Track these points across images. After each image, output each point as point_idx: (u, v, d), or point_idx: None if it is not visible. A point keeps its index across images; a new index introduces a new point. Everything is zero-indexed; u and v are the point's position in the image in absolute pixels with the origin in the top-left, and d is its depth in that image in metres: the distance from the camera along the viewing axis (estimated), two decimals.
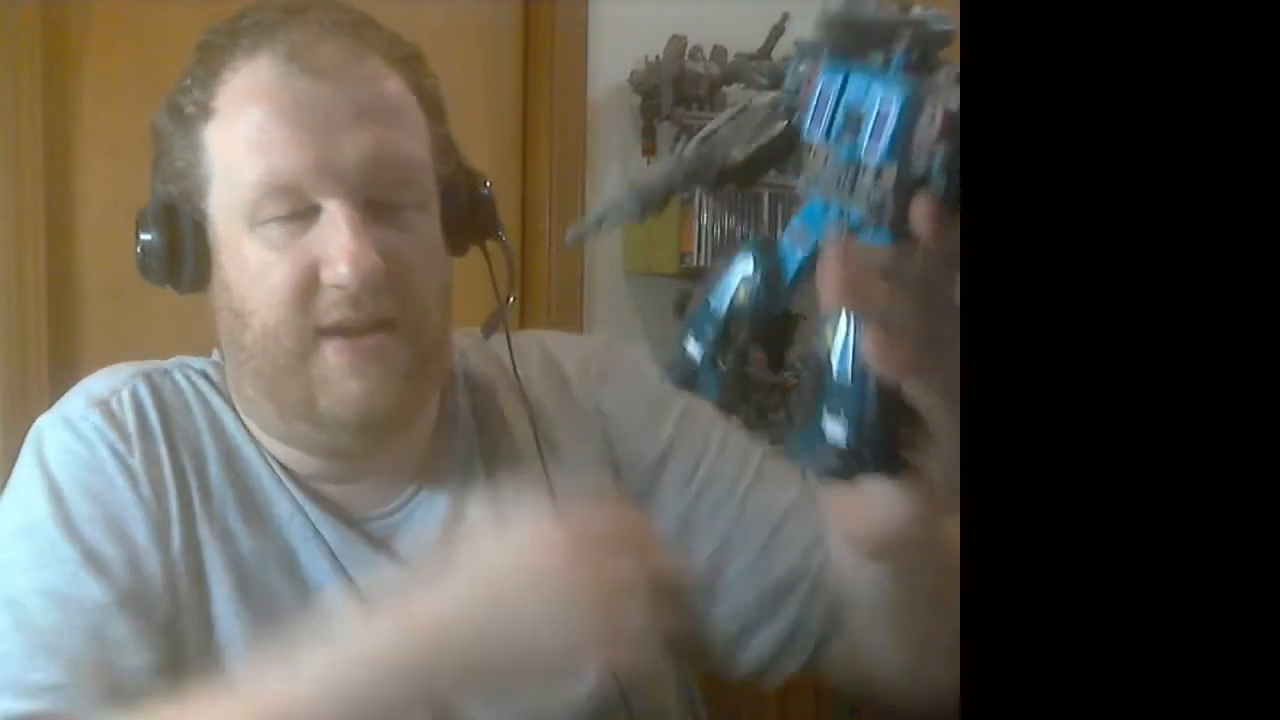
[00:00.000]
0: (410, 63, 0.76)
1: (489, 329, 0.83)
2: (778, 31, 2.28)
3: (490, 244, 0.82)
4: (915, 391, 0.48)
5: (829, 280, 0.46)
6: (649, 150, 2.19)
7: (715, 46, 2.24)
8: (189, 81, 0.74)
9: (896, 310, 0.46)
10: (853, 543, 0.61)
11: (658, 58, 2.15)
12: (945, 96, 0.44)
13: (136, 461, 0.75)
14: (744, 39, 2.28)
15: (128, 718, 0.63)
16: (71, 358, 1.64)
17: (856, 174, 0.46)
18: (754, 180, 0.51)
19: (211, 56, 0.73)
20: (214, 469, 0.77)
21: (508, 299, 0.82)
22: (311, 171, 0.69)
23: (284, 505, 0.77)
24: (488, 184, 0.81)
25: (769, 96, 0.52)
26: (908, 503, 0.53)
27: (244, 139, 0.71)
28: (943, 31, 0.46)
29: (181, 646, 0.73)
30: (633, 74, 2.17)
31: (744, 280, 0.50)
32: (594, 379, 0.86)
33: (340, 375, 0.72)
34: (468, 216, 0.79)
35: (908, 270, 0.46)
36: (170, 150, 0.75)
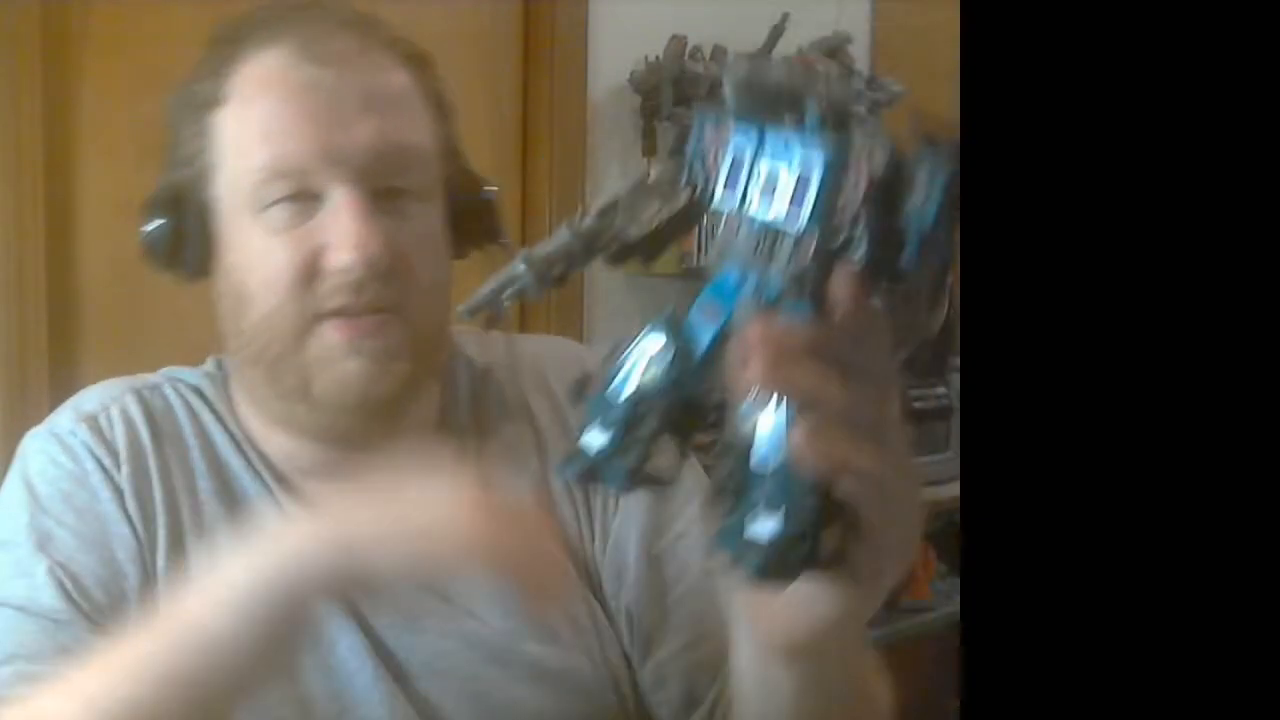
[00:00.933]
0: (418, 61, 0.78)
1: (487, 327, 0.83)
2: (778, 31, 2.28)
3: (492, 249, 0.82)
4: (847, 484, 0.44)
5: (751, 361, 0.42)
6: (649, 150, 2.19)
7: (715, 46, 2.24)
8: (201, 71, 0.75)
9: (824, 394, 0.43)
10: (769, 644, 0.56)
11: (658, 58, 2.15)
12: (869, 158, 0.42)
13: (124, 477, 0.75)
14: (744, 39, 2.28)
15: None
16: (71, 358, 1.64)
17: (775, 242, 0.43)
18: (658, 254, 0.48)
19: (224, 47, 0.74)
20: (203, 484, 0.77)
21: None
22: (319, 156, 0.70)
23: (271, 514, 0.77)
24: (492, 189, 0.82)
25: (671, 164, 0.49)
26: (833, 602, 0.49)
27: (253, 124, 0.72)
28: (853, 90, 0.44)
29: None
30: (633, 74, 2.17)
31: (651, 361, 0.46)
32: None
33: (339, 354, 0.72)
34: (470, 219, 0.80)
35: (836, 347, 0.43)
36: (179, 137, 0.76)
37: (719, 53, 2.25)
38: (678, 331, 0.46)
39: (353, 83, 0.72)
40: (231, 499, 0.78)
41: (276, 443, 0.79)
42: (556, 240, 0.49)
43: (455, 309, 0.77)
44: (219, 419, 0.80)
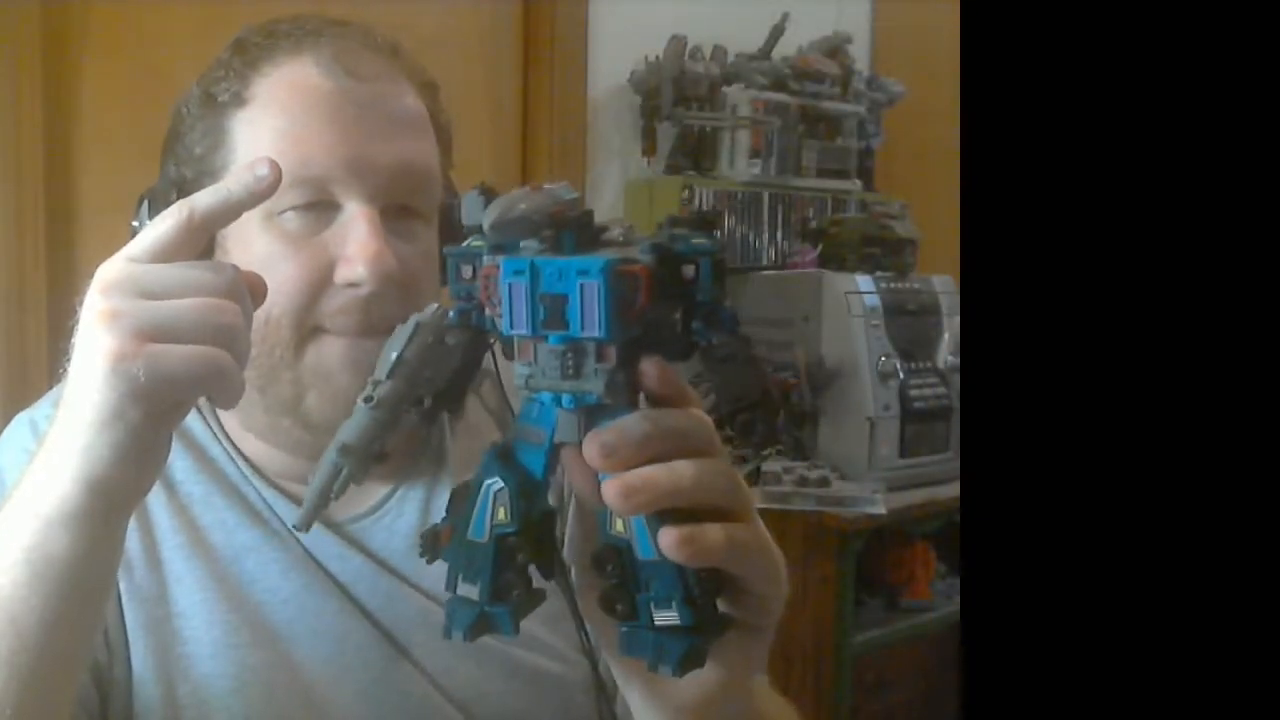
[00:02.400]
0: (430, 90, 0.79)
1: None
2: (778, 31, 2.28)
3: None
4: (724, 560, 0.47)
5: (609, 488, 0.45)
6: (649, 150, 2.19)
7: (715, 46, 2.25)
8: (223, 71, 0.74)
9: (679, 485, 0.46)
10: (665, 708, 0.56)
11: (658, 58, 2.15)
12: (636, 256, 0.45)
13: None
14: (744, 39, 2.28)
15: None
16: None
17: (578, 356, 0.45)
18: (463, 399, 0.50)
19: (250, 51, 0.74)
20: (180, 464, 0.77)
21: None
22: (343, 168, 0.70)
23: (253, 499, 0.78)
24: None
25: (434, 310, 0.51)
26: (724, 660, 0.51)
27: (277, 128, 0.72)
28: (573, 199, 0.47)
29: (128, 640, 0.73)
30: (633, 74, 2.17)
31: (496, 497, 0.48)
32: None
33: (336, 367, 0.72)
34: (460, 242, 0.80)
35: (671, 432, 0.46)
36: (191, 134, 0.75)
37: (719, 53, 2.25)
38: (511, 466, 0.48)
39: (382, 102, 0.73)
40: (209, 479, 0.78)
41: (257, 448, 0.79)
42: (361, 421, 0.49)
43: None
44: (200, 412, 0.80)
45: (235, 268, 0.57)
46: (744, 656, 0.52)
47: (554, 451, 0.48)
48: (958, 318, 2.10)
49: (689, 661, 0.47)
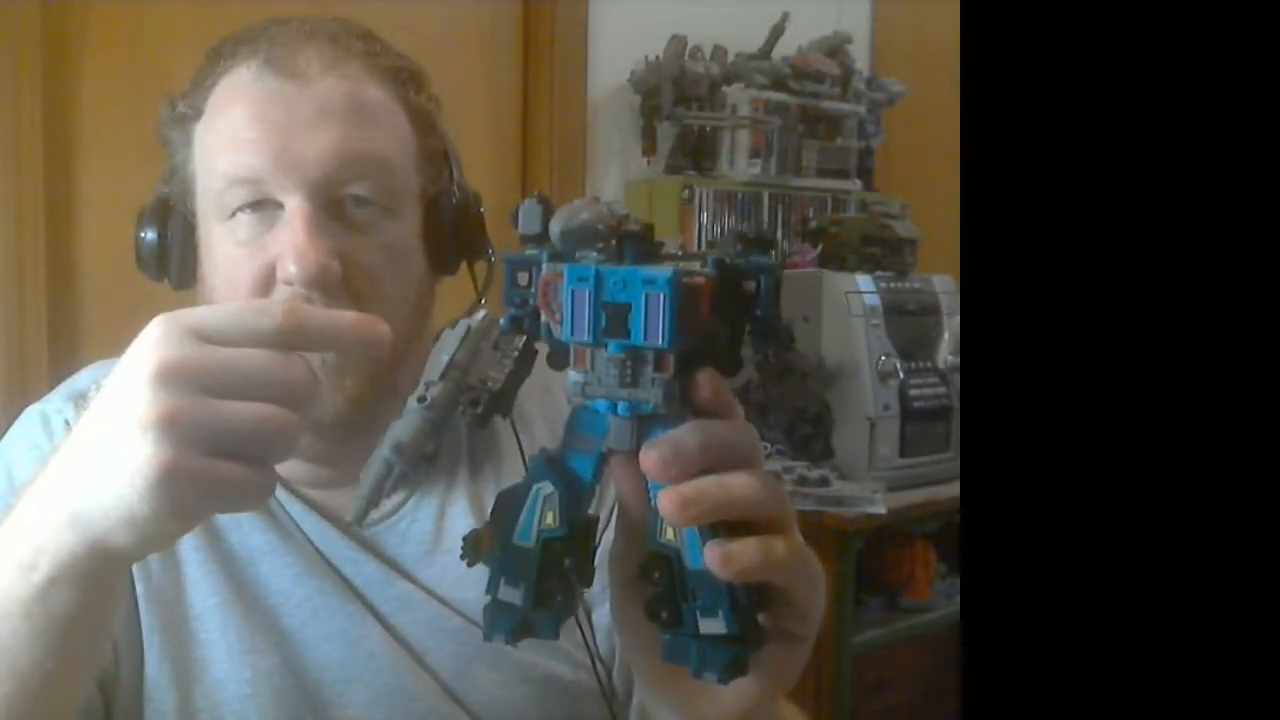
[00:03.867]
0: (401, 76, 0.77)
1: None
2: (778, 31, 2.28)
3: (479, 266, 0.82)
4: (771, 574, 0.48)
5: (666, 500, 0.46)
6: (649, 150, 2.19)
7: (715, 46, 2.25)
8: (189, 86, 0.76)
9: (730, 500, 0.46)
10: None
11: (658, 58, 2.15)
12: (699, 270, 0.46)
13: None
14: (744, 39, 2.28)
15: None
16: (71, 357, 1.64)
17: (635, 366, 0.46)
18: (512, 403, 0.50)
19: (210, 63, 0.76)
20: None
21: (479, 299, 0.82)
22: (271, 165, 0.70)
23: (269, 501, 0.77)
24: (479, 204, 0.81)
25: (484, 316, 0.51)
26: (773, 670, 0.52)
27: (218, 134, 0.73)
28: (626, 214, 0.48)
29: (143, 641, 0.73)
30: (633, 74, 2.17)
31: (546, 502, 0.48)
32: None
33: None
34: (455, 233, 0.79)
35: (720, 445, 0.47)
36: (170, 151, 0.77)
37: (719, 53, 2.25)
38: (560, 472, 0.49)
39: (312, 95, 0.72)
40: None
41: None
42: (414, 421, 0.49)
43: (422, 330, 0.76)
44: None
45: (290, 310, 0.51)
46: (784, 667, 0.52)
47: (603, 459, 0.48)
48: (958, 318, 2.10)
49: (734, 670, 0.47)
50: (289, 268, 0.69)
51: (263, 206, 0.71)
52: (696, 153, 2.19)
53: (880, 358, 1.99)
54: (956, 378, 2.06)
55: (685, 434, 0.46)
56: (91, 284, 1.70)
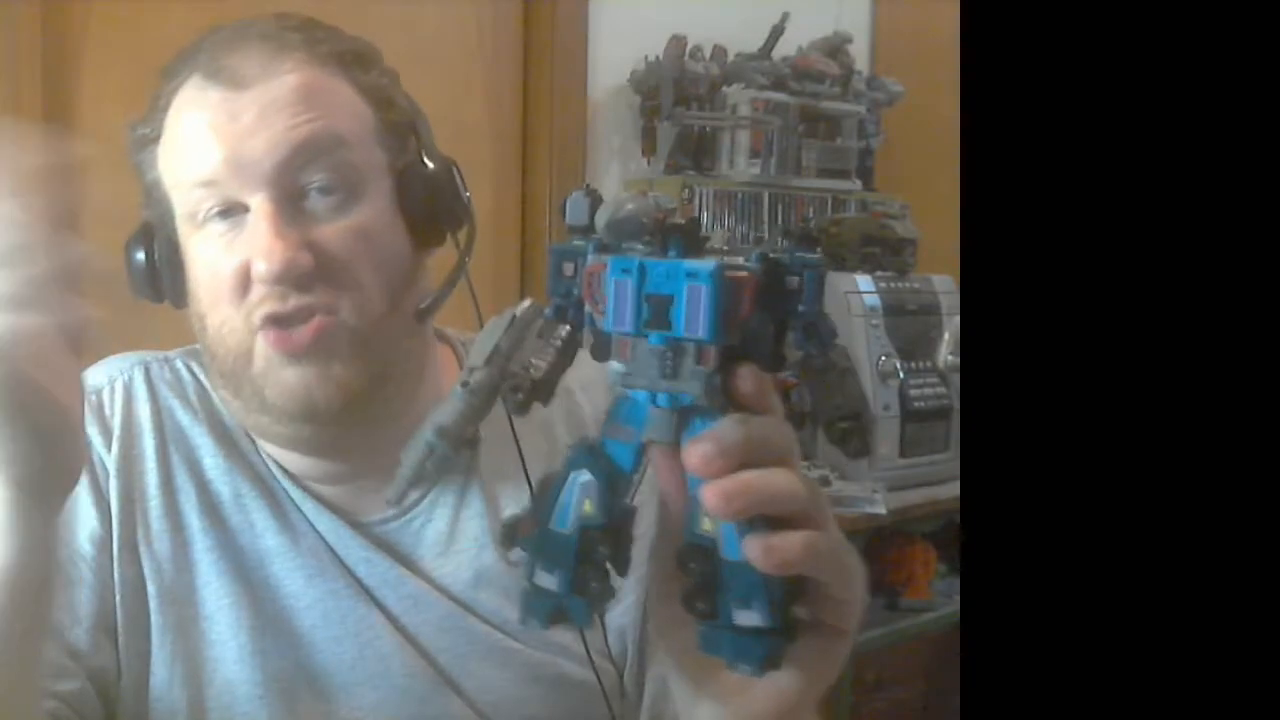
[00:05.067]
0: (345, 59, 0.77)
1: (435, 303, 0.81)
2: (778, 31, 2.28)
3: (465, 233, 0.81)
4: (809, 568, 0.48)
5: (711, 493, 0.46)
6: (649, 150, 2.19)
7: (715, 46, 2.25)
8: (146, 109, 0.77)
9: (771, 493, 0.46)
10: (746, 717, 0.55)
11: (658, 58, 2.15)
12: (743, 264, 0.46)
13: (112, 458, 0.76)
14: (744, 39, 2.28)
15: None
16: None
17: (676, 358, 0.46)
18: (552, 392, 0.50)
19: (163, 81, 0.77)
20: (210, 461, 0.78)
21: (464, 259, 0.80)
22: (226, 168, 0.71)
23: (281, 498, 0.78)
24: (453, 170, 0.79)
25: (530, 304, 0.52)
26: (814, 664, 0.52)
27: (177, 150, 0.74)
28: (673, 208, 0.48)
29: (151, 640, 0.74)
30: (633, 74, 2.17)
31: (584, 490, 0.49)
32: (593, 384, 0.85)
33: (277, 363, 0.72)
34: (432, 204, 0.78)
35: (761, 441, 0.47)
36: (143, 176, 0.78)
37: (719, 53, 2.25)
38: (600, 460, 0.49)
39: (253, 95, 0.72)
40: (238, 476, 0.78)
41: (272, 448, 0.79)
42: (457, 404, 0.50)
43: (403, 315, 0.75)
44: (227, 409, 0.80)
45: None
46: (823, 661, 0.53)
47: (642, 449, 0.49)
48: (958, 318, 2.10)
49: (769, 662, 0.48)
50: (259, 266, 0.70)
51: (231, 212, 0.72)
52: (696, 153, 2.19)
53: (880, 358, 1.99)
54: (956, 378, 2.06)
55: (727, 428, 0.47)
56: (91, 285, 1.70)
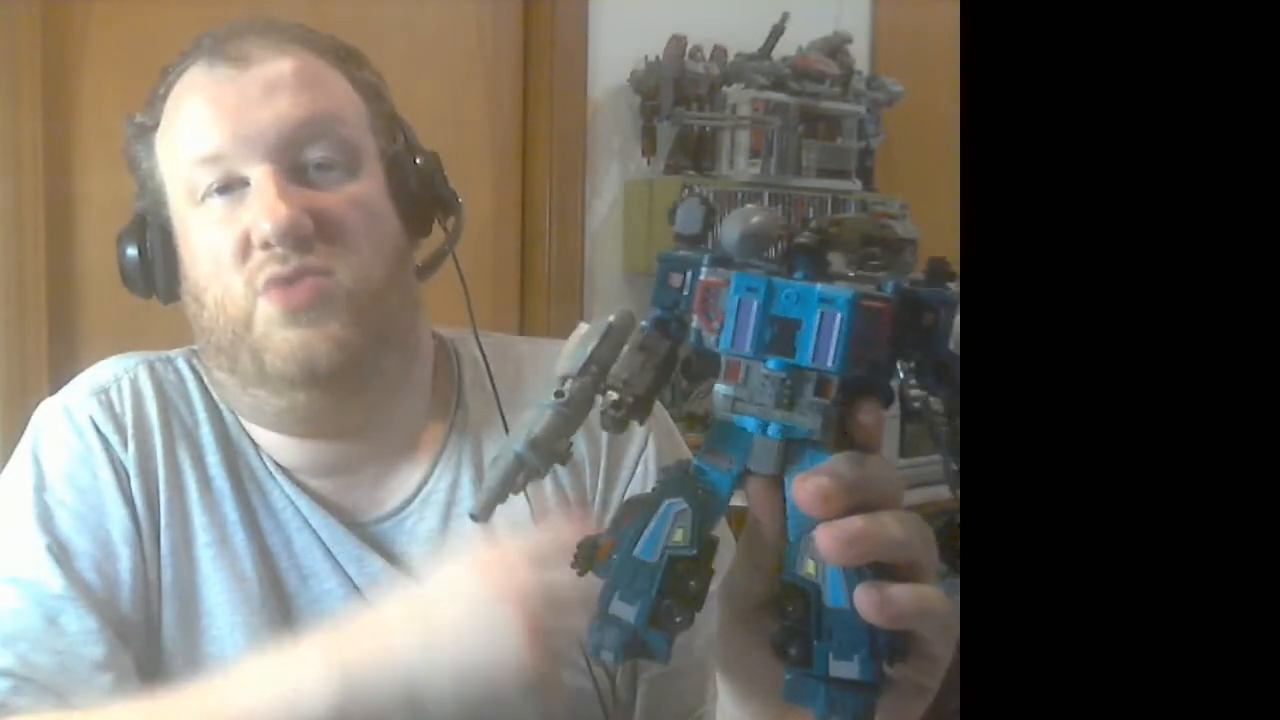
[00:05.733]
0: (340, 53, 0.81)
1: (425, 271, 0.84)
2: (778, 31, 2.28)
3: (452, 222, 0.84)
4: (916, 625, 0.45)
5: (827, 536, 0.43)
6: (649, 150, 2.19)
7: (715, 46, 2.25)
8: (145, 102, 0.80)
9: (892, 545, 0.44)
10: None
11: (658, 58, 2.15)
12: (879, 294, 0.43)
13: (129, 456, 0.77)
14: (744, 39, 2.28)
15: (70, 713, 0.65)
16: (71, 357, 1.64)
17: (795, 387, 0.42)
18: (650, 409, 0.46)
19: (162, 77, 0.80)
20: (212, 459, 0.79)
21: (450, 244, 0.84)
22: (231, 141, 0.74)
23: (277, 496, 0.78)
24: (438, 164, 0.82)
25: (623, 312, 0.48)
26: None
27: (179, 127, 0.76)
28: (788, 224, 0.45)
29: (163, 636, 0.75)
30: (633, 74, 2.17)
31: (677, 518, 0.44)
32: None
33: (278, 324, 0.74)
34: (420, 191, 0.81)
35: (874, 485, 0.44)
36: (137, 167, 0.80)
37: (719, 53, 2.25)
38: (695, 488, 0.45)
39: (258, 74, 0.75)
40: (238, 475, 0.79)
41: (266, 438, 0.80)
42: (549, 414, 0.47)
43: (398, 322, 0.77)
44: (224, 404, 0.82)
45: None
46: (907, 718, 0.50)
47: (738, 478, 0.45)
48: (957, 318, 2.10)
49: (862, 718, 0.44)
50: (263, 226, 0.72)
51: (231, 187, 0.74)
52: (696, 153, 2.19)
53: None
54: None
55: (845, 466, 0.43)
56: (91, 285, 1.70)
